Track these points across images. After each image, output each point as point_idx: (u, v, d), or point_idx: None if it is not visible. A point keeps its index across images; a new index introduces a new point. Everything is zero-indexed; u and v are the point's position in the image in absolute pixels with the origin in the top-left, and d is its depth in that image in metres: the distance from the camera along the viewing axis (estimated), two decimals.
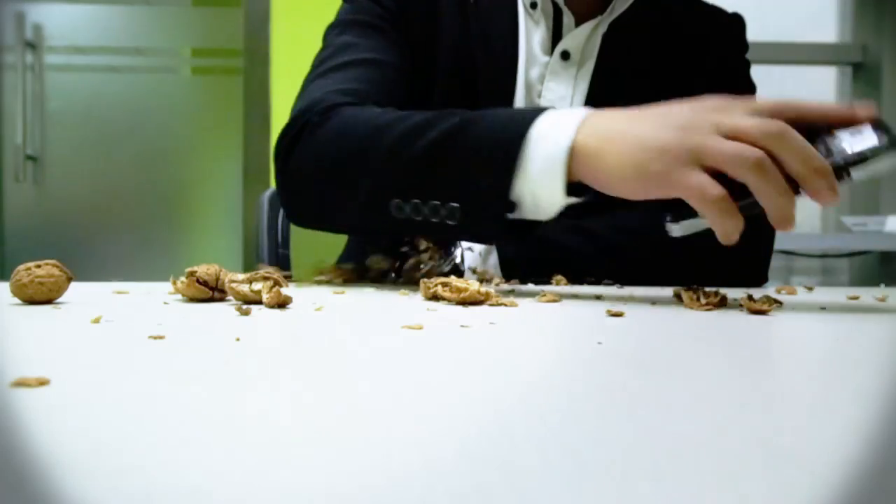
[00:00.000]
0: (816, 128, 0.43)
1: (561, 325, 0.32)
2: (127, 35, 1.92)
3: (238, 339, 0.25)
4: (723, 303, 0.42)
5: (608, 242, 0.70)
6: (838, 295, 0.56)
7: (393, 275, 0.65)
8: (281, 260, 1.02)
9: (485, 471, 0.11)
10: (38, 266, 0.37)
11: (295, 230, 1.05)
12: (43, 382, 0.17)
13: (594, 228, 0.70)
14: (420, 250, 0.68)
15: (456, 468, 0.11)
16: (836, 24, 2.29)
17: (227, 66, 1.92)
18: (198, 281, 0.40)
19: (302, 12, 1.76)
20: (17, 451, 0.12)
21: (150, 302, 0.41)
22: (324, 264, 0.64)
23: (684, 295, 0.44)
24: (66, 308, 0.36)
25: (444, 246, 0.70)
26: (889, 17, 2.16)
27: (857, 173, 0.42)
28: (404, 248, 0.66)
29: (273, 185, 0.77)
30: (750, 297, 0.40)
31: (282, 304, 0.38)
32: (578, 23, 0.73)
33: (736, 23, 0.81)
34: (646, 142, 0.45)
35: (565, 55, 0.73)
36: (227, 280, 0.40)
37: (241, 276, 0.40)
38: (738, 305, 0.43)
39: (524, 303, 0.43)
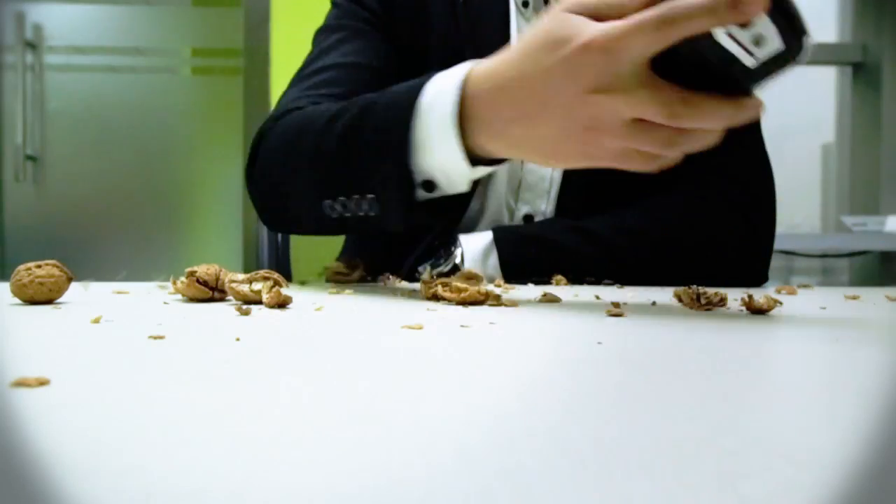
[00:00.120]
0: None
1: (561, 325, 0.32)
2: (127, 35, 1.92)
3: (238, 339, 0.25)
4: (723, 303, 0.42)
5: (608, 242, 0.70)
6: (838, 295, 0.56)
7: (369, 278, 0.65)
8: (281, 260, 1.02)
9: (484, 471, 0.11)
10: (39, 266, 0.37)
11: None
12: (43, 382, 0.17)
13: (594, 228, 0.70)
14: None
15: (456, 468, 0.11)
16: (836, 24, 2.29)
17: (227, 66, 1.92)
18: (198, 281, 0.40)
19: (302, 12, 1.76)
20: (17, 452, 0.12)
21: (150, 302, 0.41)
22: (331, 269, 0.64)
23: (684, 295, 0.44)
24: (66, 308, 0.36)
25: (445, 246, 0.70)
26: (889, 17, 2.16)
27: (756, 85, 0.36)
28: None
29: None
30: (750, 297, 0.40)
31: (282, 304, 0.38)
32: None
33: None
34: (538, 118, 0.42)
35: None
36: (227, 280, 0.40)
37: (241, 276, 0.40)
38: (738, 305, 0.43)
39: (524, 303, 0.43)
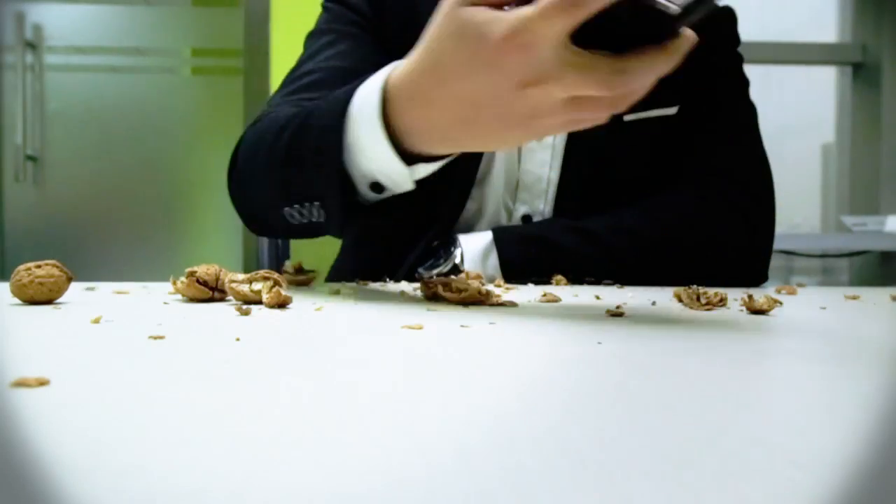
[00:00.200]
0: None
1: (561, 325, 0.32)
2: (127, 35, 1.92)
3: (238, 339, 0.25)
4: (723, 303, 0.42)
5: (608, 243, 0.70)
6: (838, 295, 0.56)
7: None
8: (281, 261, 1.02)
9: (484, 471, 0.11)
10: (39, 266, 0.37)
11: None
12: (43, 382, 0.17)
13: (594, 228, 0.70)
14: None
15: (456, 468, 0.11)
16: (836, 24, 2.29)
17: (227, 66, 1.92)
18: (198, 281, 0.40)
19: (302, 12, 1.76)
20: (17, 451, 0.12)
21: (150, 302, 0.41)
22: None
23: (684, 295, 0.44)
24: (66, 308, 0.36)
25: (444, 246, 0.70)
26: (889, 17, 2.16)
27: (681, 26, 0.35)
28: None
29: None
30: (750, 298, 0.40)
31: (282, 304, 0.38)
32: None
33: (726, 15, 0.80)
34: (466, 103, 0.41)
35: None
36: (227, 280, 0.40)
37: (241, 276, 0.40)
38: (738, 305, 0.43)
39: (524, 303, 0.43)
